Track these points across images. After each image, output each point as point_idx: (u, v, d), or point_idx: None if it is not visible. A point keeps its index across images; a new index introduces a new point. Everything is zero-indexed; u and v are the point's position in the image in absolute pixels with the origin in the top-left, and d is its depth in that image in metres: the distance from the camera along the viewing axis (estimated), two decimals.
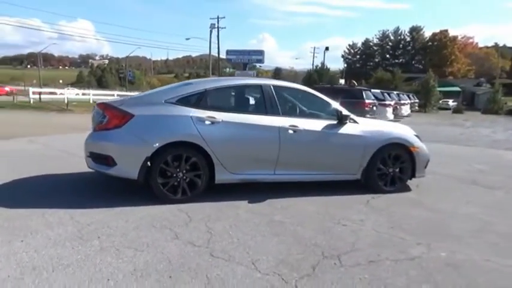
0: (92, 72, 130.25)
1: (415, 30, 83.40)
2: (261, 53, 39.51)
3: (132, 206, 4.02)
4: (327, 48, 50.03)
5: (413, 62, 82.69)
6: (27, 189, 4.57)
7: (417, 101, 29.43)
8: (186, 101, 4.29)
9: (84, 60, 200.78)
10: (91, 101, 25.40)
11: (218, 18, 43.97)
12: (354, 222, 3.84)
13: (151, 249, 3.03)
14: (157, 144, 4.03)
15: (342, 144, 4.77)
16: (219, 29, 43.79)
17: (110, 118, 4.10)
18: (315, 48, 55.95)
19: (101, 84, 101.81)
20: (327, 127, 4.69)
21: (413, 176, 5.15)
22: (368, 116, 14.28)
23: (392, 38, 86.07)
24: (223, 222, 3.70)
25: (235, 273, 2.69)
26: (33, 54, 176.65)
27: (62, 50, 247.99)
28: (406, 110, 22.17)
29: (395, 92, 21.60)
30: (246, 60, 39.33)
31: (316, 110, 4.92)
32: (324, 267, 2.84)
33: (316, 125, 4.66)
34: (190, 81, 5.14)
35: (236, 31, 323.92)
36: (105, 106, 4.25)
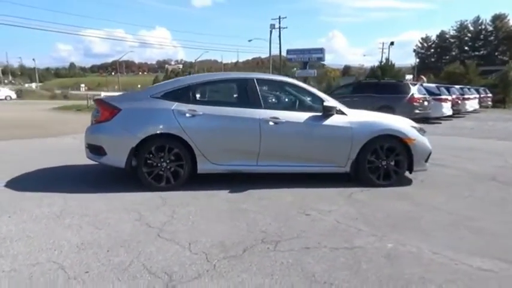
0: (167, 76, 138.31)
1: (498, 19, 75.75)
2: (321, 50, 39.05)
3: (124, 192, 4.41)
4: (391, 43, 47.83)
5: (496, 54, 75.29)
6: (43, 177, 5.22)
7: (490, 95, 26.84)
8: (171, 95, 4.59)
9: (160, 65, 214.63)
10: None
11: (280, 18, 44.33)
12: (320, 213, 3.82)
13: (109, 227, 3.36)
14: (141, 136, 4.38)
15: (327, 136, 4.72)
16: (281, 29, 44.12)
17: (101, 112, 4.55)
18: (383, 43, 53.84)
19: None
20: (311, 119, 4.68)
21: (410, 169, 4.91)
22: (417, 111, 13.58)
23: (471, 28, 79.19)
24: (191, 208, 3.92)
25: (167, 251, 2.90)
26: (116, 62, 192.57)
27: (142, 57, 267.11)
28: (472, 105, 20.41)
29: (457, 86, 19.99)
30: (306, 59, 39.11)
31: (301, 102, 4.92)
32: (255, 251, 2.92)
33: (300, 116, 4.67)
34: (179, 78, 5.44)
35: (305, 30, 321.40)
36: (99, 102, 4.71)
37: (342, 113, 4.77)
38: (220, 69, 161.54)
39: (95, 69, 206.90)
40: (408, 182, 5.11)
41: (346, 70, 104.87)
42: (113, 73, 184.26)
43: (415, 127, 5.01)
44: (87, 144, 4.69)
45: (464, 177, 5.49)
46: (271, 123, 4.56)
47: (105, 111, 4.51)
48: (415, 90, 13.86)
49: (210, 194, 4.39)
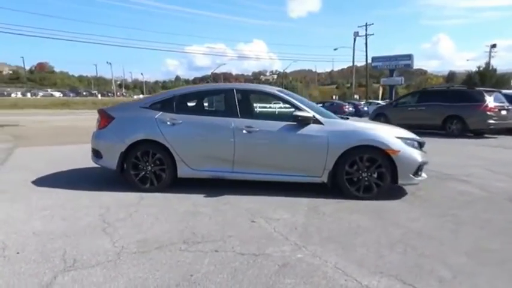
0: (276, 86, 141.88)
1: None
2: (409, 57, 36.91)
3: (116, 191, 4.95)
4: (493, 46, 42.72)
5: None
6: (64, 176, 6.04)
7: None
8: (157, 105, 5.05)
9: (256, 76, 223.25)
10: None
11: (366, 25, 42.93)
12: (267, 221, 3.87)
13: (73, 220, 3.84)
14: (128, 142, 4.90)
15: (300, 146, 4.70)
16: (367, 36, 42.63)
17: (100, 120, 5.19)
18: (491, 46, 48.35)
19: None
20: (286, 128, 4.71)
21: (395, 182, 4.61)
22: (492, 121, 12.16)
23: None
24: (154, 208, 4.27)
25: (93, 243, 3.26)
26: (215, 75, 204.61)
27: (239, 69, 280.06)
28: None
29: None
30: (393, 66, 37.35)
31: (279, 111, 4.96)
32: (166, 249, 3.14)
33: (274, 125, 4.74)
34: (172, 89, 5.86)
35: (406, 35, 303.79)
36: (100, 111, 5.37)
37: (318, 122, 4.71)
38: (313, 78, 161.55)
39: (197, 81, 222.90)
40: (399, 195, 4.80)
41: (451, 77, 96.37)
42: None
43: (403, 138, 4.69)
44: (91, 148, 5.38)
45: (471, 196, 4.95)
46: (244, 131, 4.72)
47: (103, 119, 5.14)
48: (490, 99, 12.40)
49: (184, 197, 4.70)
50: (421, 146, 4.97)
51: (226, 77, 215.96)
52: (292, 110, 4.86)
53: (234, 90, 4.97)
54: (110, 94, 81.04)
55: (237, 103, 4.88)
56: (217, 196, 4.73)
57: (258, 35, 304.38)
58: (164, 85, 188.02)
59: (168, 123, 4.87)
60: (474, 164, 7.26)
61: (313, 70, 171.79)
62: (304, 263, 2.89)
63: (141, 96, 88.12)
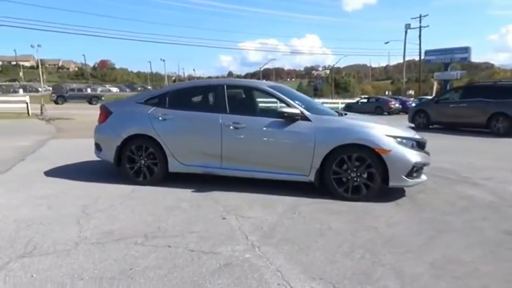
0: (310, 82, 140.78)
1: None
2: (465, 50, 34.42)
3: (112, 183, 5.14)
4: None
5: None
6: (72, 168, 6.33)
7: None
8: (151, 101, 5.16)
9: (308, 71, 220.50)
10: None
11: (420, 16, 40.58)
12: (237, 218, 3.83)
13: (58, 209, 4.04)
14: (124, 136, 5.06)
15: (287, 143, 4.57)
16: (421, 28, 40.27)
17: (100, 114, 5.41)
18: None
19: (316, 93, 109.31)
20: (272, 124, 4.60)
21: (386, 183, 4.34)
22: None
23: None
24: (137, 201, 4.38)
25: (62, 231, 3.42)
26: (267, 70, 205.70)
27: (291, 64, 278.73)
28: None
29: None
30: (448, 60, 35.11)
31: (268, 107, 4.85)
32: (122, 242, 3.20)
33: (262, 122, 4.65)
34: (169, 85, 5.92)
35: (465, 28, 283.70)
36: (101, 106, 5.58)
37: (306, 118, 4.54)
38: (368, 73, 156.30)
39: (248, 76, 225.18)
40: (394, 197, 4.52)
41: None
42: (263, 79, 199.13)
43: (397, 136, 4.39)
44: (94, 141, 5.62)
45: (475, 201, 4.54)
46: (231, 127, 4.69)
47: (102, 114, 5.36)
48: None
49: (172, 192, 4.77)
50: (420, 146, 4.64)
51: (278, 72, 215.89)
52: (283, 106, 4.73)
53: (225, 86, 4.94)
54: None
55: (226, 99, 4.85)
56: (205, 192, 4.75)
57: (311, 30, 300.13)
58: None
59: (160, 118, 4.96)
60: (503, 167, 6.64)
61: (368, 65, 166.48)
62: (247, 264, 2.82)
63: None
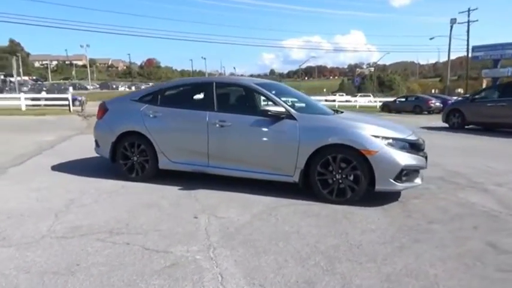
0: (348, 80, 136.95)
1: None
2: None
3: (108, 179, 5.26)
4: None
5: None
6: (80, 163, 6.59)
7: None
8: (145, 98, 5.22)
9: (351, 69, 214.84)
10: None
11: (469, 10, 38.24)
12: (209, 218, 3.77)
13: (46, 202, 4.21)
14: (117, 132, 5.17)
15: (271, 142, 4.44)
16: (469, 22, 37.93)
17: (98, 111, 5.55)
18: None
19: (360, 91, 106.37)
20: (257, 123, 4.49)
21: (373, 187, 4.10)
22: None
23: None
24: (121, 197, 4.46)
25: (36, 224, 3.55)
26: (309, 68, 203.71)
27: (335, 62, 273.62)
28: None
29: None
30: (498, 56, 32.88)
31: (255, 105, 4.72)
32: (86, 237, 3.26)
33: (247, 120, 4.55)
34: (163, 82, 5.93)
35: None
36: (100, 103, 5.72)
37: (292, 117, 4.38)
38: (415, 70, 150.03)
39: (290, 74, 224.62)
40: (383, 202, 4.27)
41: None
42: (306, 78, 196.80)
43: (385, 137, 4.12)
44: (94, 138, 5.78)
45: (474, 209, 4.18)
46: (217, 125, 4.63)
47: (100, 110, 5.49)
48: None
49: (160, 189, 4.80)
50: (415, 147, 4.33)
51: (320, 70, 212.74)
52: (264, 104, 4.62)
53: (214, 84, 4.89)
54: None
55: (214, 97, 4.80)
56: (192, 190, 4.74)
57: (356, 26, 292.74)
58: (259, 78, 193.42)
59: (151, 115, 5.01)
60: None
61: (415, 62, 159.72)
62: (194, 265, 2.76)
63: None
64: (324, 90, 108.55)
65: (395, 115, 23.83)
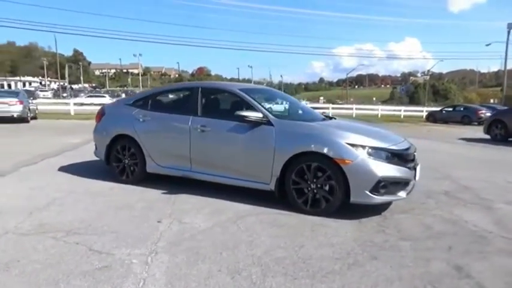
0: (394, 89, 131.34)
1: None
2: None
3: (103, 180, 5.39)
4: None
5: None
6: (86, 165, 6.84)
7: None
8: (137, 102, 5.33)
9: (405, 77, 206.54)
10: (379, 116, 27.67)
11: None
12: (172, 223, 3.73)
13: (31, 200, 4.40)
14: (111, 136, 5.32)
15: (248, 148, 4.33)
16: None
17: (97, 115, 5.74)
18: None
19: (412, 100, 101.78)
20: (236, 129, 4.40)
21: (348, 198, 3.85)
22: None
23: None
24: (100, 198, 4.53)
25: (9, 221, 3.72)
26: (360, 76, 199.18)
27: (388, 70, 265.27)
28: None
29: None
30: None
31: (236, 111, 4.61)
32: (45, 235, 3.36)
33: (226, 125, 4.47)
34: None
35: None
36: (100, 108, 5.91)
37: (269, 123, 4.25)
38: (474, 79, 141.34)
39: (340, 82, 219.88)
40: (362, 215, 4.00)
41: None
42: (356, 86, 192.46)
43: (362, 145, 3.86)
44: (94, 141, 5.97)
45: (462, 229, 3.80)
46: (199, 130, 4.61)
47: (98, 114, 5.68)
48: None
49: (144, 191, 4.84)
50: (399, 157, 4.02)
51: (372, 78, 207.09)
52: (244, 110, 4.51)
53: (199, 89, 4.89)
54: None
55: (198, 101, 4.79)
56: (174, 194, 4.74)
57: (410, 33, 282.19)
58: (307, 87, 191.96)
59: (141, 119, 5.10)
60: None
61: (475, 70, 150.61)
62: (124, 269, 2.73)
63: None
64: (374, 99, 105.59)
65: (440, 125, 22.54)
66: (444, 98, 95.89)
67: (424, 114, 28.92)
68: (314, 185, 3.98)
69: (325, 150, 3.87)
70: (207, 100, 4.87)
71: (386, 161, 3.88)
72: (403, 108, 32.42)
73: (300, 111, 5.09)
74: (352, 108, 30.80)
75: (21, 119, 15.17)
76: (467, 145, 11.51)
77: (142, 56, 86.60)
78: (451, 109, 25.82)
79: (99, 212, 4.02)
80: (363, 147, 3.85)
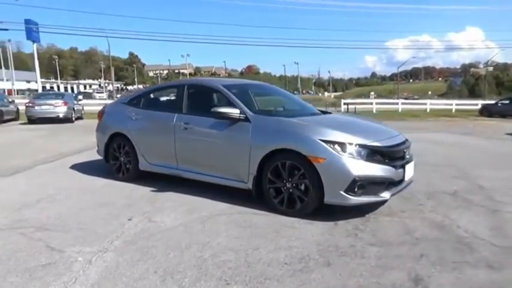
0: (465, 81, 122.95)
1: None
2: None
3: (100, 177, 5.53)
4: None
5: None
6: (94, 164, 7.02)
7: None
8: (132, 101, 5.39)
9: (465, 69, 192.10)
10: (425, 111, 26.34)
11: None
12: (141, 221, 3.71)
13: (23, 195, 4.63)
14: (108, 134, 5.43)
15: (226, 145, 4.21)
16: None
17: (99, 113, 5.89)
18: None
19: (473, 93, 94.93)
20: (216, 126, 4.28)
21: (322, 198, 3.60)
22: None
23: None
24: (88, 196, 4.62)
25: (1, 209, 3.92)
26: (416, 69, 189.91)
27: (446, 62, 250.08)
28: None
29: None
30: None
31: (217, 107, 4.47)
32: (14, 230, 3.49)
33: (206, 123, 4.37)
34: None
35: None
36: (103, 106, 6.05)
37: (246, 119, 4.09)
38: None
39: (393, 77, 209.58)
40: (341, 217, 3.73)
41: None
42: (411, 80, 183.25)
43: (337, 142, 3.57)
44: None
45: (447, 235, 3.39)
46: (182, 128, 4.56)
47: (100, 113, 5.82)
48: None
49: (135, 189, 4.87)
50: (384, 155, 3.68)
51: (428, 70, 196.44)
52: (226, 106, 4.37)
53: (185, 86, 4.83)
54: (295, 92, 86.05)
55: (184, 99, 4.73)
56: (162, 192, 4.73)
57: (472, 22, 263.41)
58: (358, 82, 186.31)
59: (133, 118, 5.15)
60: None
61: None
62: (64, 267, 2.74)
63: (325, 94, 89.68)
64: (429, 93, 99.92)
65: (493, 120, 20.78)
66: (509, 90, 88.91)
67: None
68: (290, 184, 3.77)
69: (298, 147, 3.64)
70: (192, 97, 4.80)
71: (364, 158, 3.57)
72: (454, 102, 30.20)
73: (293, 107, 4.87)
74: (397, 103, 29.33)
75: (67, 119, 16.13)
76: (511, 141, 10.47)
77: (190, 56, 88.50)
78: (507, 102, 23.68)
79: (80, 209, 4.11)
80: (339, 143, 3.57)
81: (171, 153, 4.72)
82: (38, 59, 32.86)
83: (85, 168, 6.25)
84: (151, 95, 5.42)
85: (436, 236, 3.29)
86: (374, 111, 26.50)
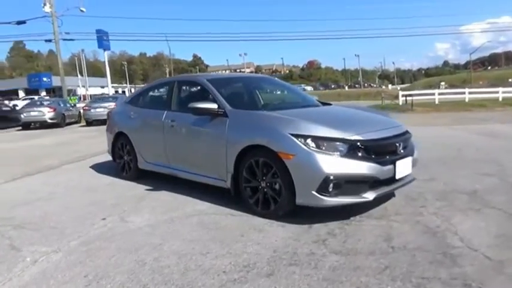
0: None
1: None
2: None
3: (111, 176, 5.63)
4: None
5: None
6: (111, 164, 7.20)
7: None
8: (132, 100, 5.41)
9: None
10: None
11: None
12: (114, 221, 3.67)
13: (29, 192, 4.86)
14: (113, 133, 5.52)
15: (204, 142, 4.03)
16: None
17: (108, 113, 6.00)
18: None
19: None
20: (197, 122, 4.10)
21: (293, 198, 3.25)
22: None
23: None
24: (88, 194, 4.73)
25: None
26: (494, 55, 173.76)
27: None
28: None
29: None
30: None
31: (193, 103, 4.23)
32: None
33: (189, 119, 4.19)
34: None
35: None
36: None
37: (224, 114, 3.85)
38: None
39: (468, 65, 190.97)
40: (321, 219, 3.36)
41: None
42: (489, 67, 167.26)
43: (308, 136, 3.19)
44: None
45: (425, 239, 2.85)
46: (169, 125, 4.45)
47: (108, 113, 5.94)
48: None
49: (132, 187, 4.89)
50: (364, 150, 3.23)
51: (510, 56, 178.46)
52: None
53: (175, 83, 4.71)
54: (356, 86, 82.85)
55: (173, 95, 4.62)
56: (156, 191, 4.68)
57: None
58: (427, 72, 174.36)
59: (132, 116, 5.16)
60: None
61: None
62: (7, 267, 2.74)
63: (389, 86, 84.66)
64: (510, 80, 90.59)
65: None
66: None
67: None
68: (264, 183, 3.47)
69: (268, 143, 3.33)
70: (180, 94, 4.67)
71: (342, 154, 3.15)
72: None
73: (291, 99, 4.54)
74: (464, 93, 26.82)
75: None
76: None
77: (247, 55, 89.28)
78: None
79: (67, 208, 4.18)
80: (312, 138, 3.19)
81: (162, 151, 4.64)
82: (112, 65, 35.41)
83: (101, 167, 6.42)
84: (147, 93, 5.39)
85: (419, 245, 2.79)
86: (436, 102, 24.60)
